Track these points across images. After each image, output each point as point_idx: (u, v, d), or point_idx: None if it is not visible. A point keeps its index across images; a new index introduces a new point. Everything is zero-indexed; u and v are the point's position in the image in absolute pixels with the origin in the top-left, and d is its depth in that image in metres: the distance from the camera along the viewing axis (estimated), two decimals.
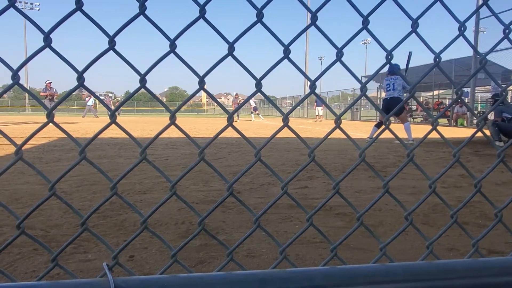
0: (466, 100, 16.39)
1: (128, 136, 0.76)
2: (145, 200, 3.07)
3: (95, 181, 3.69)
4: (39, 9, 55.96)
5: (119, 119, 0.74)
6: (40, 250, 1.94)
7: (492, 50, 0.93)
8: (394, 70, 7.74)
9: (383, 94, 8.07)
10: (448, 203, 0.96)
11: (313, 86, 0.84)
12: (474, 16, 1.11)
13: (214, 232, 2.30)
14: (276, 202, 0.84)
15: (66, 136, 0.72)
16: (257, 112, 26.40)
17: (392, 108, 7.80)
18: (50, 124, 0.70)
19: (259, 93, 0.84)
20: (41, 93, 14.94)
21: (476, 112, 16.84)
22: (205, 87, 0.80)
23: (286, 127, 0.82)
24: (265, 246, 2.06)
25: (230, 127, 0.78)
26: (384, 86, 8.17)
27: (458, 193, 3.35)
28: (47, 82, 14.85)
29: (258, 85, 0.81)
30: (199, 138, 9.32)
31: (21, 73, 0.71)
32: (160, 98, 0.89)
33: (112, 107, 0.76)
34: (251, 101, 24.22)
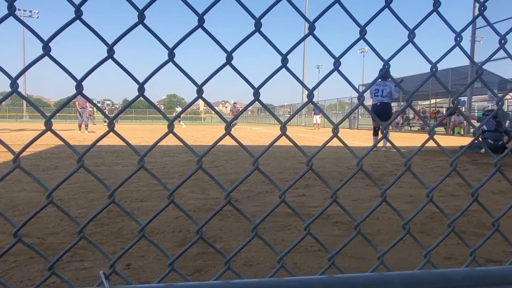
0: (463, 109, 16.47)
1: (126, 144, 0.76)
2: (142, 208, 3.05)
3: (92, 189, 3.67)
4: (37, 17, 56.28)
5: (116, 127, 0.75)
6: (36, 258, 1.93)
7: (487, 60, 0.94)
8: (386, 74, 8.01)
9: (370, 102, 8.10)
10: (446, 212, 0.96)
11: (310, 95, 0.85)
12: (471, 26, 1.11)
13: (211, 240, 2.29)
14: (274, 210, 0.84)
15: (63, 143, 0.72)
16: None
17: (383, 114, 7.83)
18: (48, 131, 0.70)
19: (256, 101, 0.84)
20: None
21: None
22: (203, 95, 0.81)
23: (284, 136, 0.82)
24: (262, 255, 2.05)
25: (228, 135, 0.79)
26: (372, 90, 8.15)
27: (455, 202, 3.35)
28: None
29: (256, 94, 0.81)
30: (197, 146, 9.32)
31: (19, 80, 0.71)
32: (158, 105, 0.89)
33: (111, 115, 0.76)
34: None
